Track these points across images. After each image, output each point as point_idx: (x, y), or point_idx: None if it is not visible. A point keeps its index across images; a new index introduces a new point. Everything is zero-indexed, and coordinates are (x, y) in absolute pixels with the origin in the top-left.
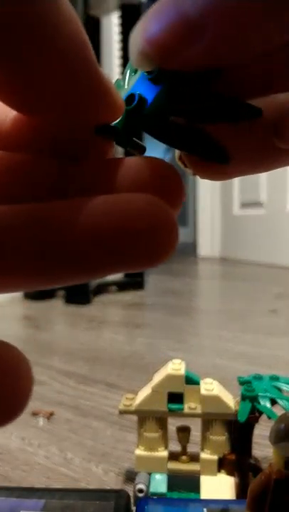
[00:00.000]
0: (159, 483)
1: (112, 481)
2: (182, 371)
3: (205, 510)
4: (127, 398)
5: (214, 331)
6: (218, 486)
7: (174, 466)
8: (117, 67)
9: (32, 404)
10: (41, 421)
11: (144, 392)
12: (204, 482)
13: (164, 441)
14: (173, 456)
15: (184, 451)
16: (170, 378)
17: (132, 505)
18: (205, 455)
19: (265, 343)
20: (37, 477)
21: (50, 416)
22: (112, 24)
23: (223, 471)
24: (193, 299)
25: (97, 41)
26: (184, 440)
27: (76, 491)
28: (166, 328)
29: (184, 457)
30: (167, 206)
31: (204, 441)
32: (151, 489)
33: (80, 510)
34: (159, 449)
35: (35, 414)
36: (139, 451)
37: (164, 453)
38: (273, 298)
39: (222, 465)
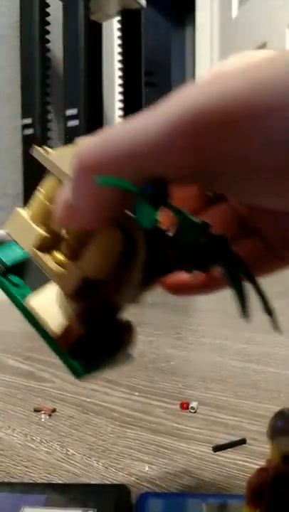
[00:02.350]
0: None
1: (112, 476)
2: None
3: (204, 504)
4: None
5: (213, 329)
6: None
7: (41, 254)
8: (118, 72)
9: (34, 401)
10: (43, 417)
11: None
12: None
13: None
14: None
15: (65, 251)
16: None
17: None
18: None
19: (264, 341)
20: (39, 473)
21: (52, 412)
22: (113, 29)
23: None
24: (193, 297)
25: (98, 46)
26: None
27: (77, 486)
28: (165, 326)
29: (57, 254)
30: None
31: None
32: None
33: (81, 505)
34: (40, 226)
35: (37, 410)
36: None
37: (40, 230)
38: (273, 297)
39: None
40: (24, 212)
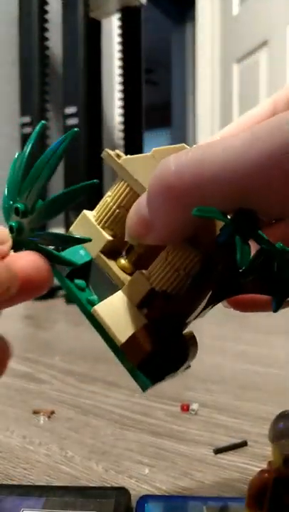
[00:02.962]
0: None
1: (112, 478)
2: None
3: (205, 507)
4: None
5: (214, 330)
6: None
7: (106, 259)
8: (118, 70)
9: (33, 403)
10: (42, 419)
11: None
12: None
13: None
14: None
15: (130, 260)
16: None
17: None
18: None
19: (265, 342)
20: (38, 475)
21: (51, 414)
22: (112, 27)
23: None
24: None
25: (97, 44)
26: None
27: (77, 489)
28: None
29: (124, 262)
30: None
31: None
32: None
33: (80, 507)
34: (106, 230)
35: (36, 412)
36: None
37: (106, 235)
38: None
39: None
40: (91, 215)
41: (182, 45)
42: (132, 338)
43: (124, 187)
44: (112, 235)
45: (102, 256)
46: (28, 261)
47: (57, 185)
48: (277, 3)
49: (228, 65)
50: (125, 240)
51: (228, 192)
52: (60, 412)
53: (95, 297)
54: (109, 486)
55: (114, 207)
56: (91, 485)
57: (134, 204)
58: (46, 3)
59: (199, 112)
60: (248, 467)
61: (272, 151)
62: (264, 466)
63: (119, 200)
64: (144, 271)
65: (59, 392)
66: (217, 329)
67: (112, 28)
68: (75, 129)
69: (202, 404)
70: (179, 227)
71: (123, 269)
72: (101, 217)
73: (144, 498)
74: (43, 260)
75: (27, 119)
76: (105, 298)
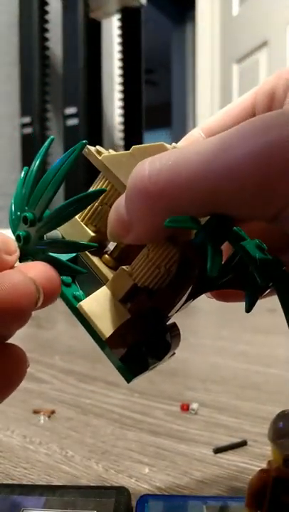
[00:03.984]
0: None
1: (112, 478)
2: None
3: (204, 507)
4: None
5: (214, 330)
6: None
7: (90, 255)
8: (118, 70)
9: (33, 403)
10: (42, 419)
11: None
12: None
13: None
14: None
15: (112, 255)
16: None
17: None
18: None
19: (264, 342)
20: (38, 474)
21: (51, 414)
22: (112, 27)
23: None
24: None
25: (97, 44)
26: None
27: (77, 488)
28: None
29: (108, 257)
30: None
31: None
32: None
33: (80, 507)
34: (90, 226)
35: (36, 412)
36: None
37: (89, 231)
38: (272, 297)
39: None
40: None
41: (182, 45)
42: (115, 333)
43: (105, 184)
44: (95, 231)
45: (86, 252)
46: (39, 272)
47: None
48: (277, 3)
49: (228, 65)
50: (103, 229)
51: (200, 197)
52: (61, 411)
53: (80, 292)
54: (109, 485)
55: (96, 203)
56: (91, 484)
57: (114, 205)
58: (46, 4)
59: (199, 112)
60: (248, 466)
61: (241, 158)
62: (264, 465)
63: (101, 197)
64: (126, 266)
65: (59, 391)
66: (217, 329)
67: (112, 29)
68: (84, 141)
69: (202, 404)
70: (156, 229)
71: (107, 263)
72: (84, 213)
73: (144, 498)
74: (53, 270)
75: (27, 119)
76: (91, 293)
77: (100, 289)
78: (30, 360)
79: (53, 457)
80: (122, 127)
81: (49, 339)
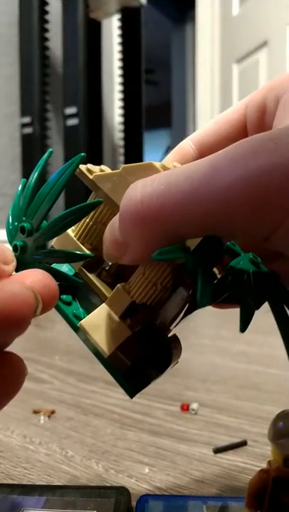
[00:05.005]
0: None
1: (112, 478)
2: None
3: (204, 507)
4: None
5: (213, 330)
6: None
7: (88, 273)
8: (118, 70)
9: (33, 403)
10: (42, 419)
11: None
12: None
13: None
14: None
15: (109, 272)
16: None
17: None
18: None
19: (264, 342)
20: (38, 474)
21: (51, 414)
22: (112, 27)
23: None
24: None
25: (97, 44)
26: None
27: (77, 488)
28: None
29: (106, 273)
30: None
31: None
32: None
33: (80, 507)
34: (86, 245)
35: (36, 412)
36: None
37: (85, 250)
38: None
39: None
40: (70, 230)
41: (182, 45)
42: (117, 350)
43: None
44: (91, 249)
45: (83, 270)
46: (37, 279)
47: None
48: (277, 3)
49: (228, 65)
50: (99, 247)
51: (193, 220)
52: (61, 411)
53: (80, 311)
54: (109, 485)
55: (90, 223)
56: (91, 484)
57: (108, 226)
58: (46, 4)
59: (199, 112)
60: (248, 467)
61: (233, 184)
62: (264, 465)
63: (95, 216)
64: (124, 284)
65: (59, 391)
66: (217, 329)
67: (112, 29)
68: (82, 154)
69: (202, 404)
70: (151, 249)
71: (105, 279)
72: (80, 232)
73: (144, 498)
74: (50, 277)
75: (27, 119)
76: (91, 310)
77: (99, 307)
78: (30, 359)
79: (53, 457)
80: (122, 127)
81: (49, 339)
